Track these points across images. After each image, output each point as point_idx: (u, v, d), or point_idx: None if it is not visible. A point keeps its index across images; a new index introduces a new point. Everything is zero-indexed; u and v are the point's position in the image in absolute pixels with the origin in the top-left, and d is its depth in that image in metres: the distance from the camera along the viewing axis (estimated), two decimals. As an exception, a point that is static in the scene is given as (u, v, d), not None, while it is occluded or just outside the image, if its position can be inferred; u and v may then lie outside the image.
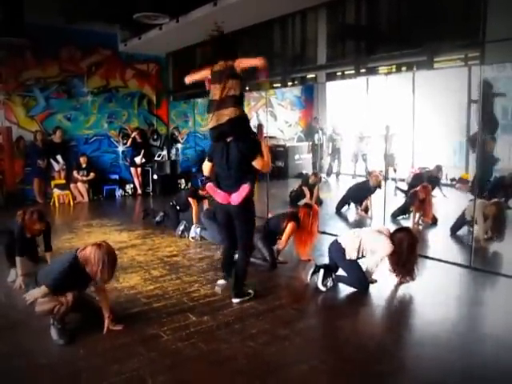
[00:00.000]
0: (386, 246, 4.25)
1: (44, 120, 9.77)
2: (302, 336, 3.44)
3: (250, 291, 4.17)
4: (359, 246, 4.32)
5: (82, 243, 6.01)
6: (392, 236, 4.33)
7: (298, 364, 3.03)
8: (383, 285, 4.49)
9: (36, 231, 4.65)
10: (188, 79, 4.16)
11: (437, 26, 5.71)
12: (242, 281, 4.09)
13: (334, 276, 4.42)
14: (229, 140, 3.81)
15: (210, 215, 6.31)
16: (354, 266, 4.36)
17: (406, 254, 4.25)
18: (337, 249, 4.44)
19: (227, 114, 3.71)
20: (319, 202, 7.80)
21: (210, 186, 3.97)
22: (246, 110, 11.74)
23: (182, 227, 6.51)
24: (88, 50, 10.20)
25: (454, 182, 8.98)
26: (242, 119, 3.83)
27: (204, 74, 4.00)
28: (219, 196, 3.90)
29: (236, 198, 3.78)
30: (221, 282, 4.30)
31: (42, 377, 2.92)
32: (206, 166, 4.10)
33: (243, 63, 3.80)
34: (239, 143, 3.78)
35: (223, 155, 3.82)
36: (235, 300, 4.04)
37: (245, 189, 3.76)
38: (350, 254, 4.33)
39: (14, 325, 3.64)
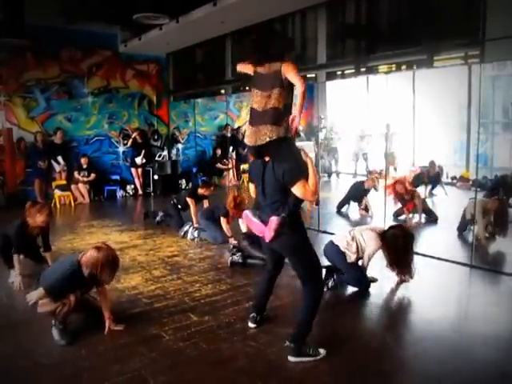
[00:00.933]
0: (374, 242, 4.29)
1: (45, 121, 9.78)
2: (303, 335, 3.44)
3: (320, 350, 3.15)
4: (357, 248, 4.34)
5: (83, 244, 6.05)
6: (385, 232, 4.36)
7: (300, 363, 3.03)
8: (384, 284, 4.50)
9: (37, 227, 4.62)
10: (239, 67, 3.43)
11: (436, 24, 5.71)
12: (303, 333, 3.16)
13: (335, 277, 4.43)
14: (267, 159, 3.10)
15: (208, 215, 6.31)
16: (353, 266, 4.37)
17: (402, 250, 4.27)
18: (334, 251, 4.44)
19: (266, 133, 2.99)
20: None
21: (245, 214, 3.25)
22: (247, 109, 11.70)
23: (185, 228, 6.50)
24: (88, 50, 10.20)
25: (454, 181, 9.01)
26: (281, 141, 3.01)
27: (248, 68, 3.28)
28: (255, 227, 3.17)
29: (267, 233, 3.03)
30: (252, 325, 3.58)
31: (44, 377, 2.93)
32: (251, 188, 3.43)
33: (290, 73, 3.00)
34: (277, 164, 3.01)
35: (259, 177, 3.16)
36: (291, 358, 3.09)
37: (272, 222, 2.97)
38: (351, 257, 4.35)
39: (16, 325, 3.64)
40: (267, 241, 3.08)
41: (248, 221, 3.22)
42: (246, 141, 3.13)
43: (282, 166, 2.97)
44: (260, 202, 3.21)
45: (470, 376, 2.90)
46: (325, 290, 4.29)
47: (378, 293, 4.31)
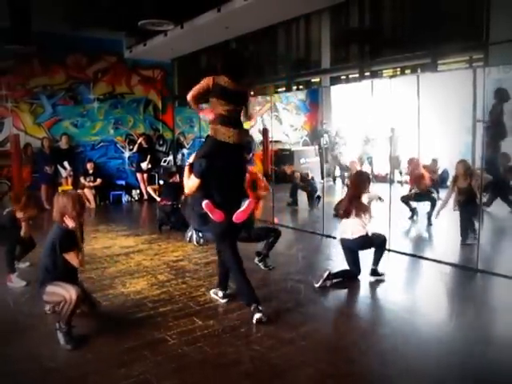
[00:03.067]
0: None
1: (51, 127, 9.88)
2: (307, 339, 3.44)
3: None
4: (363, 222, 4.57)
5: (88, 248, 6.07)
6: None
7: (304, 367, 3.03)
8: (389, 287, 4.49)
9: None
10: (190, 98, 3.85)
11: (440, 28, 5.72)
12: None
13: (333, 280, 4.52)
14: (229, 154, 3.71)
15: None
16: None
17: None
18: (353, 244, 4.59)
19: (243, 134, 3.79)
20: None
21: (207, 203, 3.68)
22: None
23: (189, 233, 6.52)
24: (94, 56, 10.31)
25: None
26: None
27: (206, 83, 3.73)
28: (218, 215, 3.67)
29: (243, 215, 3.71)
30: (223, 300, 4.18)
31: (50, 380, 2.95)
32: (195, 183, 3.78)
33: (248, 106, 3.97)
34: (241, 159, 3.90)
35: (224, 169, 3.72)
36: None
37: (250, 204, 3.74)
38: (366, 230, 4.57)
39: (23, 329, 3.66)
40: (238, 221, 3.71)
41: (211, 210, 3.68)
42: (231, 140, 3.67)
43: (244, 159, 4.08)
44: (222, 193, 3.76)
45: (475, 379, 2.89)
46: (316, 286, 4.48)
47: (383, 296, 4.31)
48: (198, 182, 3.74)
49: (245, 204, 3.71)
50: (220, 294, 4.23)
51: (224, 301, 4.16)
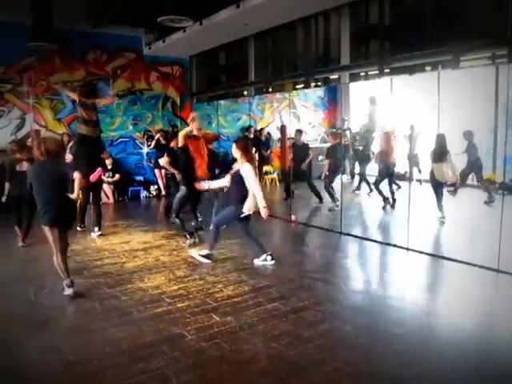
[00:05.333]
0: None
1: (71, 122, 9.97)
2: (325, 338, 3.43)
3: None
4: None
5: (107, 243, 6.17)
6: None
7: (321, 366, 3.02)
8: (407, 288, 4.44)
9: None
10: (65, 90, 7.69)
11: (462, 24, 5.61)
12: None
13: None
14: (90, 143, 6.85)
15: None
16: None
17: None
18: None
19: (98, 131, 7.11)
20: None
21: (78, 173, 5.76)
22: (269, 111, 11.81)
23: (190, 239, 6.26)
24: (113, 53, 10.40)
25: (480, 183, 8.79)
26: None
27: (74, 95, 7.20)
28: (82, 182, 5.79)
29: (93, 176, 6.00)
30: (98, 233, 6.77)
31: (70, 373, 2.99)
32: (70, 158, 6.71)
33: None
34: (97, 145, 7.09)
35: (89, 150, 6.75)
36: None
37: (99, 170, 6.15)
38: None
39: (44, 322, 3.73)
40: (93, 180, 6.03)
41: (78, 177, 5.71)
42: (89, 134, 6.88)
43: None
44: (88, 164, 6.39)
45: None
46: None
47: (401, 297, 4.26)
48: (72, 158, 6.69)
49: (97, 170, 6.02)
50: (95, 229, 6.80)
51: (98, 233, 6.70)
